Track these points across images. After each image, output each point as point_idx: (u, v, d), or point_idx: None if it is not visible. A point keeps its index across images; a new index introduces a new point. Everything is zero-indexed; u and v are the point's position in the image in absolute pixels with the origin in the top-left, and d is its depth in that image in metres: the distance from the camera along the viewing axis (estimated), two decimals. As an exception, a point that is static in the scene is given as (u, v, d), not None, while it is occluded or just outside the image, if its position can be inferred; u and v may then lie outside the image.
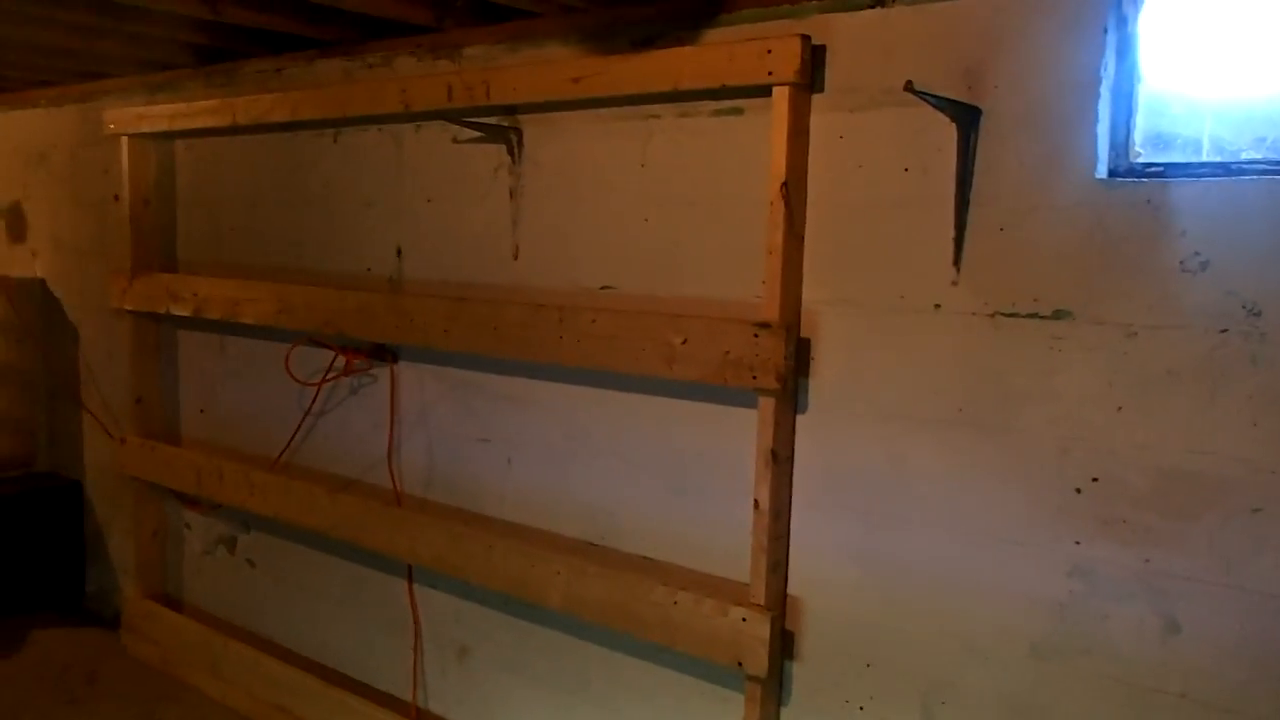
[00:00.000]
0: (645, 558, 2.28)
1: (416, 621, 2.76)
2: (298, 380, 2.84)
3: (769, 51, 1.89)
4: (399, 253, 2.72)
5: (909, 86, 1.66)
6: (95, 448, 3.84)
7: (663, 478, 2.24)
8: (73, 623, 3.80)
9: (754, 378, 1.96)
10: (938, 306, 1.85)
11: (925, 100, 1.70)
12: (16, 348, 3.95)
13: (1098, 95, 1.66)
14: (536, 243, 2.43)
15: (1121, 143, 1.70)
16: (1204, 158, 1.67)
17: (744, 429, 2.08)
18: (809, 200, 1.98)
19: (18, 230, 4.08)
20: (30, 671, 3.42)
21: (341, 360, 2.76)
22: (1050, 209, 1.72)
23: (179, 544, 3.52)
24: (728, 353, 1.98)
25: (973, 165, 1.78)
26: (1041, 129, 1.72)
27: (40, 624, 3.76)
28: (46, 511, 3.87)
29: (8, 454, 3.97)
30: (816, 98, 1.95)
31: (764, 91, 1.97)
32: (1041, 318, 1.73)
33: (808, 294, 1.99)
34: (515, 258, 2.47)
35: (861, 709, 1.99)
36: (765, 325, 1.94)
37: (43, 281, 3.97)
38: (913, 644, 1.92)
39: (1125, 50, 1.68)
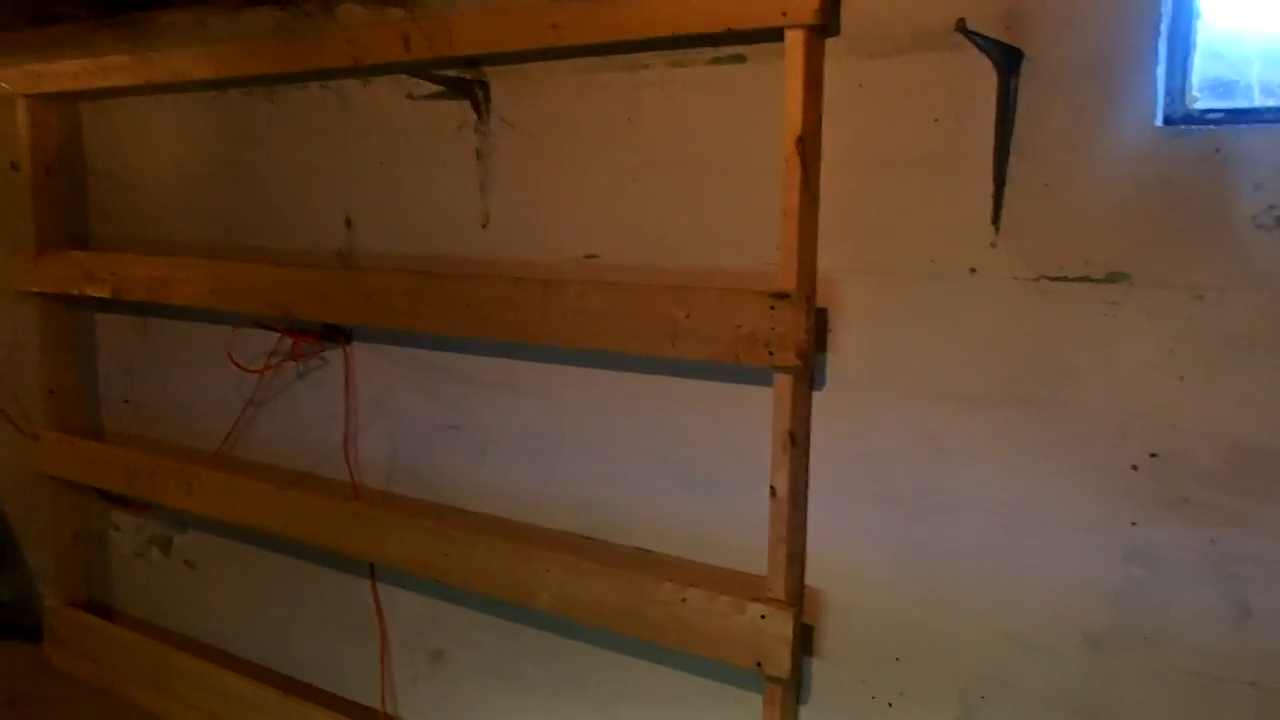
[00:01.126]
0: (645, 551, 2.09)
1: (382, 624, 2.54)
2: (239, 366, 2.57)
3: (783, -11, 1.69)
4: (348, 223, 2.46)
5: (961, 26, 1.48)
6: (3, 445, 3.48)
7: (662, 464, 2.06)
8: (-13, 637, 3.47)
9: (770, 354, 1.78)
10: (974, 271, 1.69)
11: (974, 42, 1.52)
12: (-95, 337, 3.55)
13: (1158, 33, 1.50)
14: (508, 209, 2.20)
15: (1178, 88, 1.54)
16: (1257, 102, 1.54)
17: (755, 409, 1.91)
18: (824, 157, 1.79)
19: (-100, 206, 3.66)
20: (-57, 695, 3.10)
21: (288, 343, 2.50)
22: (1103, 161, 1.56)
23: (105, 546, 3.22)
24: (739, 327, 1.80)
25: (1014, 114, 1.62)
26: (1092, 73, 1.55)
27: (-50, 640, 3.42)
28: (-50, 516, 3.51)
29: (-98, 455, 3.58)
30: (831, 42, 1.76)
31: (772, 36, 1.77)
32: (1094, 281, 1.58)
33: (824, 261, 1.82)
34: (484, 226, 2.23)
35: (890, 705, 1.85)
36: (782, 295, 1.76)
37: (-67, 263, 3.56)
38: (948, 636, 1.78)
39: (1184, -16, 1.52)
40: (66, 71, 2.82)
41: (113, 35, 2.82)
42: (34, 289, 3.00)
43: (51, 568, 3.23)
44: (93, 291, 2.84)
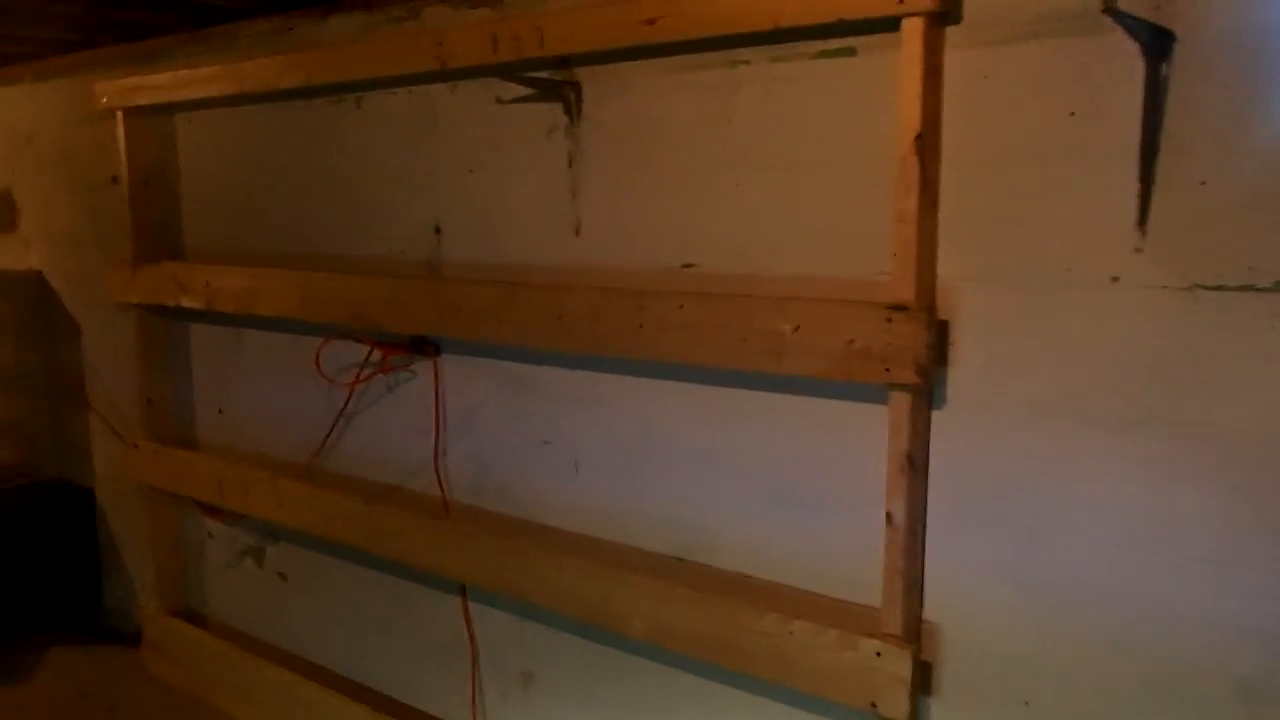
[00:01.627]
0: (743, 575, 1.97)
1: (473, 644, 2.47)
2: (328, 380, 2.52)
3: (900, -26, 1.55)
4: (437, 231, 2.39)
5: (1110, 5, 1.32)
6: (105, 453, 3.53)
7: (763, 484, 1.93)
8: (91, 641, 3.52)
9: (886, 370, 1.63)
10: (1115, 279, 1.52)
11: (1124, 25, 1.36)
12: (15, 347, 3.63)
13: (1337, 10, 1.32)
14: (602, 216, 2.10)
15: (1357, 70, 1.36)
16: None
17: (864, 427, 1.77)
18: (943, 156, 1.65)
19: (8, 219, 3.75)
20: (47, 698, 3.15)
21: (377, 355, 2.44)
22: (1270, 156, 1.38)
23: (201, 555, 3.23)
24: (852, 341, 1.66)
25: (1164, 104, 1.45)
26: (1255, 57, 1.38)
27: (57, 643, 3.48)
28: (57, 522, 3.57)
29: (11, 461, 3.67)
30: (951, 31, 1.61)
31: (885, 26, 1.63)
32: (1259, 290, 1.41)
33: (943, 268, 1.67)
34: (577, 234, 2.13)
35: (1018, 754, 1.69)
36: (900, 308, 1.62)
37: (39, 274, 3.64)
38: (1082, 679, 1.61)
39: (1367, -48, 1.33)
40: (160, 84, 2.82)
41: (204, 46, 2.81)
42: (132, 300, 3.02)
43: (150, 575, 3.25)
44: (186, 303, 2.84)
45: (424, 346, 2.42)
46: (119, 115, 2.97)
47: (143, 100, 2.88)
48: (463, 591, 2.45)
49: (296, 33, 2.60)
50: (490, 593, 2.33)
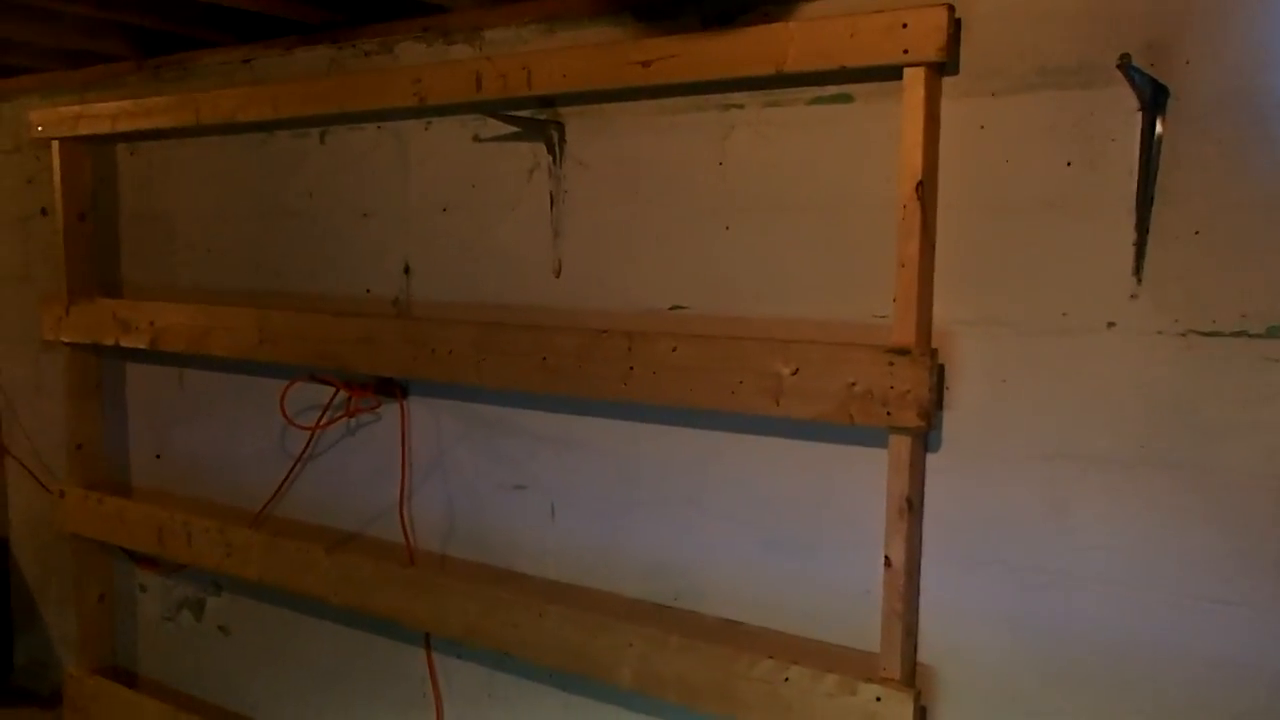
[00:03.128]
0: (734, 623, 1.95)
1: (438, 698, 2.38)
2: (294, 424, 2.42)
3: (904, 26, 1.58)
4: (406, 270, 2.33)
5: (1125, 61, 1.36)
6: (22, 500, 3.33)
7: (754, 529, 1.92)
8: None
9: (888, 414, 1.64)
10: (1111, 325, 1.56)
11: (1130, 79, 1.41)
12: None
13: (1324, 71, 1.40)
14: (585, 257, 2.08)
15: (1339, 128, 1.43)
16: None
17: (860, 472, 1.78)
18: (939, 202, 1.68)
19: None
20: (-45, 768, 2.92)
21: (342, 397, 2.36)
22: (1261, 207, 1.44)
23: (131, 609, 3.05)
24: (853, 384, 1.67)
25: (1158, 156, 1.50)
26: (1249, 112, 1.44)
27: (-40, 706, 3.25)
28: (-37, 574, 3.34)
29: (-85, 510, 3.43)
30: (949, 81, 1.65)
31: (885, 74, 1.67)
32: (1251, 336, 1.46)
33: (941, 313, 1.69)
34: (557, 275, 2.11)
35: (1015, 797, 1.69)
36: (902, 351, 1.63)
37: (-48, 311, 3.43)
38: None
39: (1347, 18, 1.42)
40: (105, 113, 2.71)
41: (154, 76, 2.72)
42: (65, 338, 2.86)
43: (73, 631, 3.06)
44: (129, 342, 2.71)
45: (390, 388, 2.34)
46: (55, 144, 2.83)
47: (84, 130, 2.76)
48: (426, 642, 2.37)
49: (255, 65, 2.53)
50: (461, 643, 2.25)
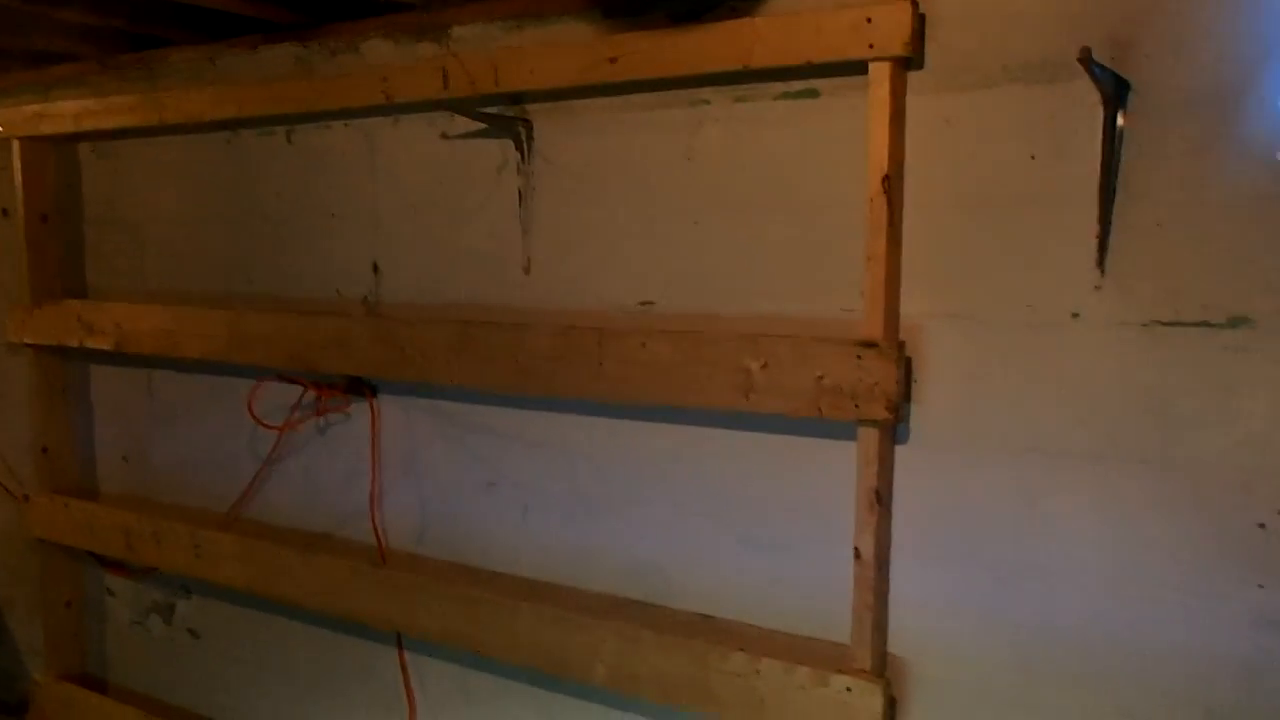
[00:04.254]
0: (705, 617, 1.95)
1: (410, 699, 2.36)
2: (262, 424, 2.40)
3: (868, 20, 1.59)
4: (375, 269, 2.32)
5: (1085, 55, 1.38)
6: (-12, 507, 3.28)
7: (725, 524, 1.92)
8: (-33, 713, 3.24)
9: (856, 407, 1.65)
10: (1076, 316, 1.58)
11: (1092, 74, 1.42)
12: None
13: (1280, 65, 1.42)
14: (554, 254, 2.07)
15: (1295, 121, 1.46)
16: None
17: (829, 465, 1.78)
18: (906, 197, 1.69)
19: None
20: (-79, 779, 2.87)
21: (311, 397, 2.34)
22: (1222, 199, 1.46)
23: (100, 615, 3.01)
24: (822, 378, 1.68)
25: (1120, 150, 1.52)
26: (1210, 106, 1.46)
27: (-74, 716, 3.19)
28: (-71, 583, 3.29)
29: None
30: (914, 76, 1.66)
31: (851, 70, 1.67)
32: (1213, 326, 1.48)
33: (908, 306, 1.70)
34: (527, 272, 2.10)
35: (986, 786, 1.71)
36: (870, 345, 1.64)
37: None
38: (1052, 712, 1.64)
39: (1302, 13, 1.44)
40: (67, 112, 2.68)
41: (118, 75, 2.68)
42: (29, 341, 2.83)
43: (39, 638, 3.02)
44: (94, 344, 2.68)
45: (360, 387, 2.33)
46: (15, 144, 2.80)
47: (46, 129, 2.72)
48: (399, 642, 2.35)
49: (220, 64, 2.50)
50: (434, 642, 2.24)
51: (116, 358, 2.77)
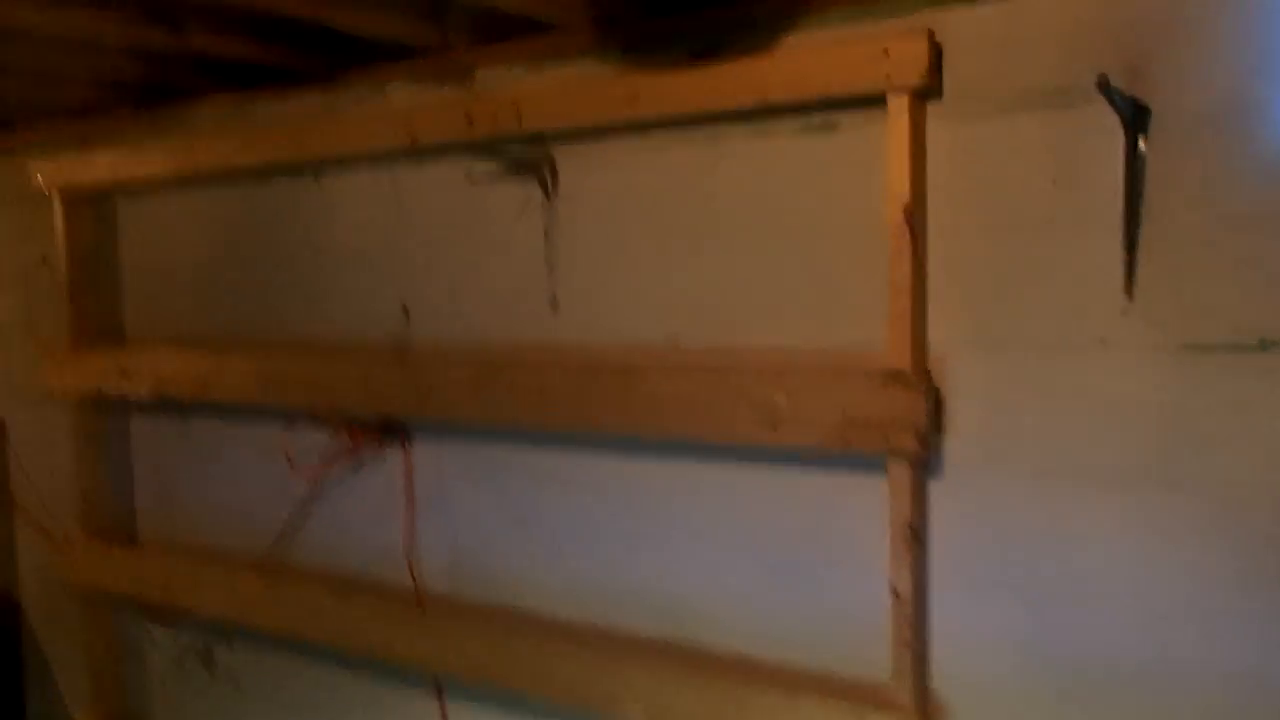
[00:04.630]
0: (741, 655, 1.93)
1: (448, 740, 2.36)
2: (297, 468, 2.43)
3: (885, 53, 1.60)
4: (405, 311, 2.34)
5: (1104, 81, 1.37)
6: (32, 555, 3.32)
7: (758, 560, 1.91)
8: (13, 761, 3.28)
9: (885, 439, 1.64)
10: (1104, 341, 1.56)
11: (1111, 100, 1.42)
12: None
13: (1302, 84, 1.40)
14: (580, 291, 2.08)
15: (1321, 140, 1.44)
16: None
17: (861, 499, 1.77)
18: (929, 226, 1.68)
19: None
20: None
21: (345, 440, 2.36)
22: (1246, 220, 1.45)
23: (141, 662, 3.04)
24: (848, 410, 1.67)
25: (1143, 174, 1.51)
26: (1229, 127, 1.45)
27: (-27, 765, 3.23)
28: (-25, 631, 3.34)
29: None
30: (932, 106, 1.66)
31: (869, 102, 1.68)
32: (1244, 349, 1.46)
33: (935, 335, 1.69)
34: (554, 310, 2.12)
35: (1031, 823, 1.67)
36: (897, 376, 1.63)
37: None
38: (1094, 744, 1.61)
39: (1325, 31, 1.42)
40: (103, 164, 2.74)
41: (151, 126, 2.74)
42: (69, 389, 2.88)
43: (84, 686, 3.05)
44: (130, 390, 2.72)
45: (393, 429, 2.35)
46: (55, 196, 2.86)
47: (84, 180, 2.79)
48: (437, 686, 2.35)
49: (250, 111, 2.55)
50: (471, 686, 2.24)
51: (154, 403, 2.81)
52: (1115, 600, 1.58)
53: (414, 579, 2.35)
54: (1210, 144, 1.46)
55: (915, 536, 1.66)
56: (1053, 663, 1.63)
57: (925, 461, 1.67)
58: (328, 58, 2.33)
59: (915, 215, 1.63)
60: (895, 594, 1.68)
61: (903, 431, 1.62)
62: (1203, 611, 1.51)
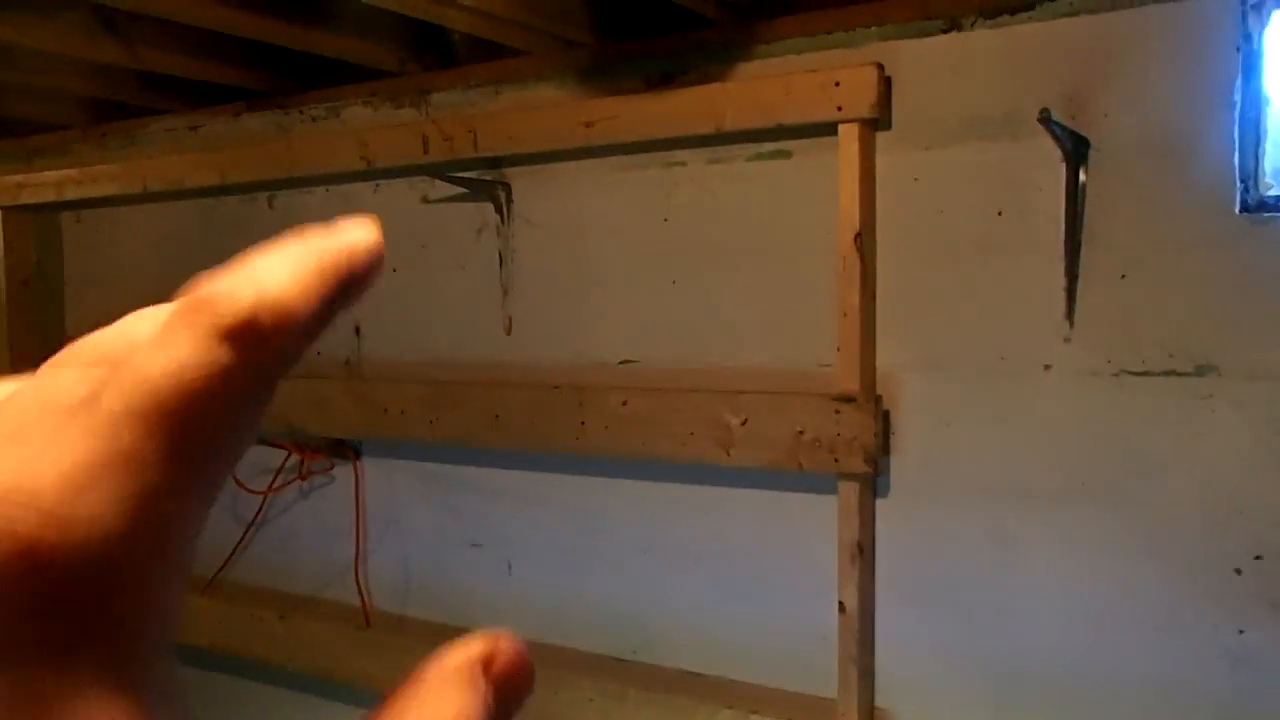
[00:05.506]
0: (692, 674, 1.95)
1: (397, 763, 2.33)
2: (247, 489, 2.40)
3: (836, 84, 1.64)
4: (357, 331, 2.33)
5: (1045, 116, 1.43)
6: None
7: (709, 578, 1.93)
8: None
9: (836, 460, 1.67)
10: (1048, 367, 1.61)
11: (1052, 132, 1.47)
12: None
13: (1233, 120, 1.47)
14: (534, 314, 2.10)
15: (1251, 175, 1.50)
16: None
17: (811, 518, 1.80)
18: (879, 252, 1.73)
19: None
20: None
21: (295, 459, 2.34)
22: (1183, 250, 1.51)
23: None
24: (801, 432, 1.70)
25: (1083, 205, 1.56)
26: (1166, 160, 1.51)
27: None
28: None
29: None
30: (882, 136, 1.71)
31: (822, 131, 1.72)
32: (1181, 374, 1.51)
33: (884, 359, 1.73)
34: (508, 332, 2.12)
35: (976, 837, 1.70)
36: (848, 399, 1.67)
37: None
38: (1038, 758, 1.65)
39: (1252, 70, 1.49)
40: (49, 181, 2.70)
41: (99, 143, 2.71)
42: (7, 408, 2.81)
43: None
44: (74, 410, 2.67)
45: (343, 448, 2.33)
46: (-3, 214, 2.81)
47: (27, 199, 2.74)
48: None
49: (203, 131, 2.54)
50: (419, 706, 2.22)
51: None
52: (1054, 615, 1.62)
53: (362, 598, 2.32)
54: (1149, 176, 1.52)
55: (863, 554, 1.70)
56: (994, 675, 1.67)
57: (874, 481, 1.71)
58: (282, 78, 2.33)
59: (865, 241, 1.67)
60: (843, 609, 1.71)
61: (853, 453, 1.66)
62: (1138, 625, 1.56)
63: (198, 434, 0.19)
